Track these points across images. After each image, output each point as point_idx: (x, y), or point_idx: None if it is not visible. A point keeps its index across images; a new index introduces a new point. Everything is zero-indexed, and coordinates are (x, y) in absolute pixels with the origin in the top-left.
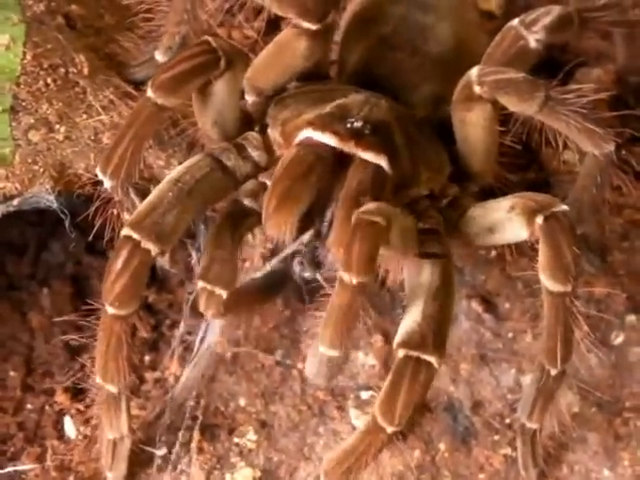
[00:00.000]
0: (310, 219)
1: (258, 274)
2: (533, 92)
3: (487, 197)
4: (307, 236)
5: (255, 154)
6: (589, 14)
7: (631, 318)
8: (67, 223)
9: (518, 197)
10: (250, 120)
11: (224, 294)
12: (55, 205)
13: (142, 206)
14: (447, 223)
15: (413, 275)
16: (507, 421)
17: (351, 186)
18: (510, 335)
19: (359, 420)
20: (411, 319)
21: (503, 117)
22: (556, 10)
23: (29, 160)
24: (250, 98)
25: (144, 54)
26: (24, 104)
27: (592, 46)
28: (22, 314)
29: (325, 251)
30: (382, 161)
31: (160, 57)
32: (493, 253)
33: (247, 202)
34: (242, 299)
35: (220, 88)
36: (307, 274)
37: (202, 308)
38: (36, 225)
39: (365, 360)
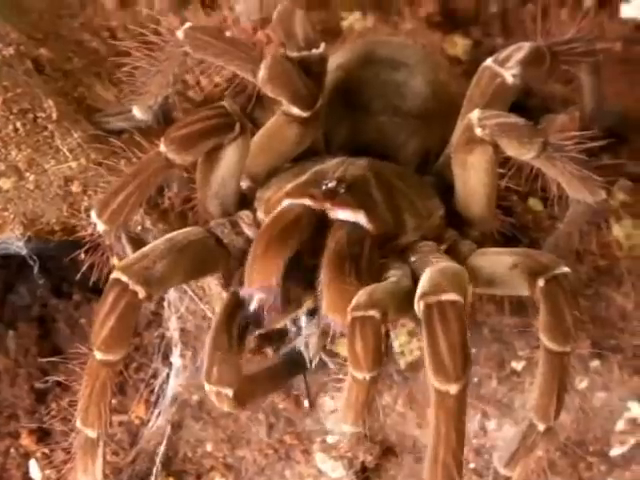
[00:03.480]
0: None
1: (272, 360)
2: (532, 137)
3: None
4: (303, 316)
5: (247, 230)
6: (559, 47)
7: (595, 363)
8: (36, 269)
9: (520, 255)
10: (246, 201)
11: (230, 392)
12: (25, 251)
13: (133, 255)
14: None
15: None
16: (471, 466)
17: (330, 249)
18: (475, 380)
19: (325, 464)
20: (420, 282)
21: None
22: (527, 45)
23: None
24: (244, 184)
25: (119, 105)
26: None
27: (557, 91)
28: None
29: (324, 320)
30: (359, 216)
31: (138, 114)
32: None
33: None
34: (255, 387)
35: (229, 154)
36: (313, 354)
37: (217, 405)
38: (2, 267)
39: (331, 404)
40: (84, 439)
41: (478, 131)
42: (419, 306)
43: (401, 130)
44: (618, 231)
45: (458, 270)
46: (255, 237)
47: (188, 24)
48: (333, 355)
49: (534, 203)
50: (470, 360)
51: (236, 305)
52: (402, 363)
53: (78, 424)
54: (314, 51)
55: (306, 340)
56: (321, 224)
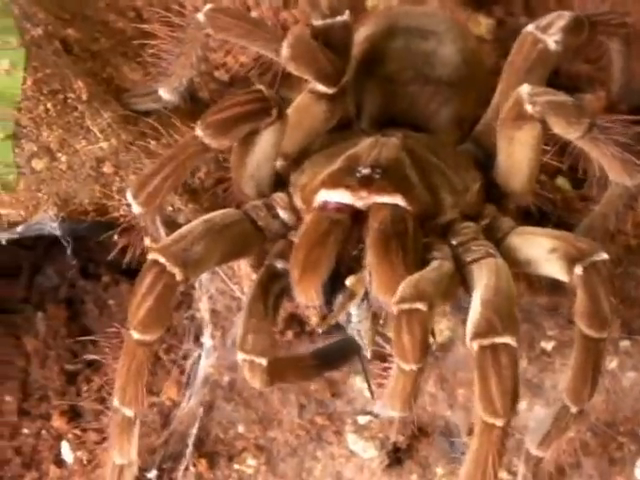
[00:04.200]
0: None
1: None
2: (580, 117)
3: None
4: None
5: (283, 214)
6: (597, 18)
7: (625, 343)
8: (69, 250)
9: (559, 239)
10: (280, 181)
11: (264, 362)
12: (58, 232)
13: (171, 236)
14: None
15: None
16: None
17: (374, 228)
18: None
19: (357, 445)
20: (474, 312)
21: None
22: (567, 14)
23: (33, 187)
24: (278, 163)
25: (146, 86)
26: (25, 131)
27: (583, 71)
28: (17, 338)
29: (376, 302)
30: (398, 199)
31: (165, 95)
32: None
33: (279, 264)
34: (288, 370)
35: (265, 138)
36: (368, 341)
37: (249, 380)
38: (30, 248)
39: (362, 385)
40: (121, 418)
41: (529, 107)
42: (472, 346)
43: (433, 99)
44: None
45: (507, 295)
46: (294, 247)
47: (209, 5)
48: (388, 340)
49: (562, 182)
50: (519, 397)
51: (271, 276)
52: (433, 344)
53: (115, 403)
54: (338, 18)
55: (357, 329)
56: (358, 221)
